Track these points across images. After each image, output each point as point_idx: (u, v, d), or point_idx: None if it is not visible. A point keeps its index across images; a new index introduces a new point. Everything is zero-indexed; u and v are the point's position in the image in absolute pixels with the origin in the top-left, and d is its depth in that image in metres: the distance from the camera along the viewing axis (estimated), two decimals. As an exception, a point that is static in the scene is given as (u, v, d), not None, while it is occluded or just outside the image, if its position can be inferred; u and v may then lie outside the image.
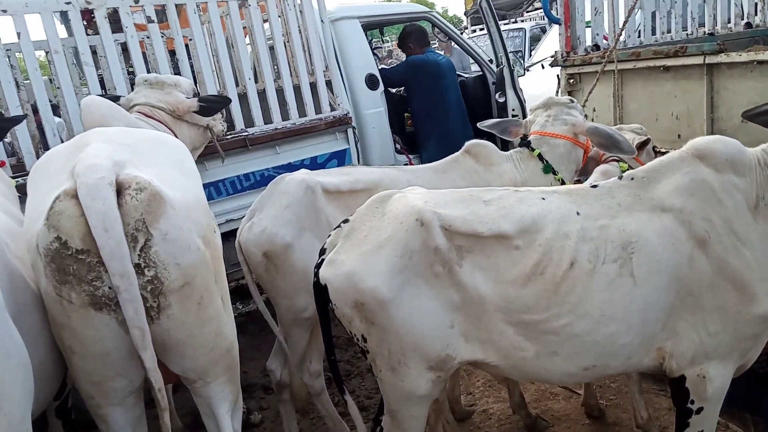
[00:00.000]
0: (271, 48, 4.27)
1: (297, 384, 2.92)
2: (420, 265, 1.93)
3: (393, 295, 1.91)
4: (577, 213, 2.02)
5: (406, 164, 4.89)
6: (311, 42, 4.20)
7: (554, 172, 2.94)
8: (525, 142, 3.06)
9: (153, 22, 3.51)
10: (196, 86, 3.90)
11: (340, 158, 4.41)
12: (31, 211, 1.91)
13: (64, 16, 3.75)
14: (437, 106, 4.91)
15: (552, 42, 7.34)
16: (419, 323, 1.94)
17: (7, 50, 3.39)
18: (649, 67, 3.69)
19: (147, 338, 1.71)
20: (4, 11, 3.08)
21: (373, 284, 1.90)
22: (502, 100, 5.08)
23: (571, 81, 4.21)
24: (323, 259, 2.06)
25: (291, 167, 4.08)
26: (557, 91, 4.37)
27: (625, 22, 3.68)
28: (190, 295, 1.82)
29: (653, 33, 4.80)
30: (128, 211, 1.69)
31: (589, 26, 4.43)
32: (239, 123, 3.95)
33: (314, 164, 4.23)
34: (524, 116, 4.96)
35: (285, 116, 4.12)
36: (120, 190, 1.70)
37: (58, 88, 3.41)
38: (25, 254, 2.11)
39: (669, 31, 4.83)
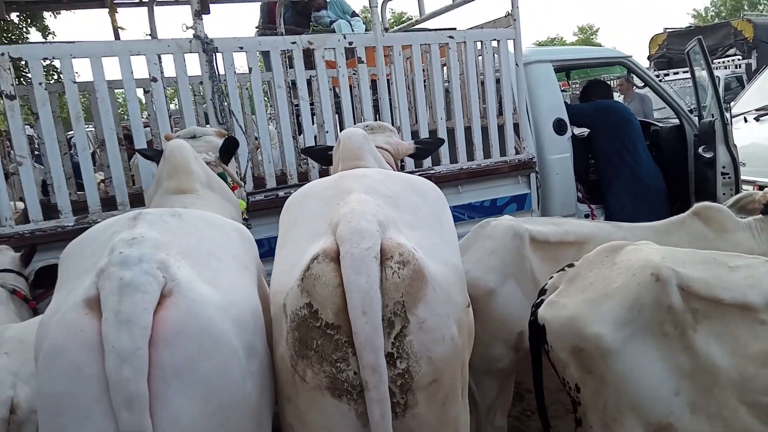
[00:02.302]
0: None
1: (481, 436, 2.81)
2: (649, 321, 1.84)
3: (617, 346, 1.83)
4: None
5: (587, 214, 4.68)
6: (503, 84, 4.19)
7: None
8: None
9: (362, 62, 3.70)
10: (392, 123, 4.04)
11: (519, 202, 4.32)
12: (284, 253, 1.72)
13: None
14: (624, 148, 4.65)
15: (758, 93, 6.65)
16: (642, 381, 1.84)
17: (246, 84, 3.75)
18: None
19: None
20: (241, 48, 3.42)
21: (597, 331, 1.85)
22: (709, 155, 4.59)
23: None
24: (542, 299, 2.05)
25: (471, 207, 4.10)
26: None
27: None
28: (437, 393, 1.57)
29: None
30: (388, 289, 1.47)
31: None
32: (427, 160, 4.01)
33: (494, 206, 4.19)
34: (737, 175, 4.49)
35: (470, 156, 4.13)
36: (381, 260, 1.49)
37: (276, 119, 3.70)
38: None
39: None
